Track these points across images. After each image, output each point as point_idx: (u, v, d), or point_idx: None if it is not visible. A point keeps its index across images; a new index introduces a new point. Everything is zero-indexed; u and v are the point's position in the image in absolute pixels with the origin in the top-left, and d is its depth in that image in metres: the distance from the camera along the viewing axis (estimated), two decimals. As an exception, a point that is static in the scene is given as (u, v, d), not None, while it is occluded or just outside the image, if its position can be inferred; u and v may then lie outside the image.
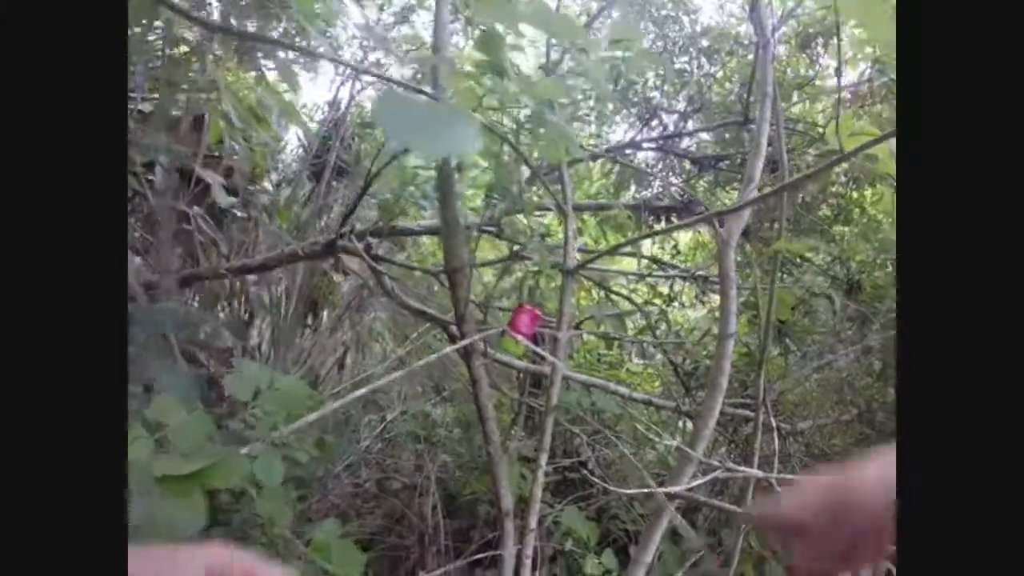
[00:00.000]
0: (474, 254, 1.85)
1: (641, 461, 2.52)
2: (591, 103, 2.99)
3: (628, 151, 2.86)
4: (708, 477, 1.45)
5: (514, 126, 1.54)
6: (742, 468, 1.53)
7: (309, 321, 3.99)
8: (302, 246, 2.73)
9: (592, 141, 3.27)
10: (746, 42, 2.79)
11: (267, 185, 3.68)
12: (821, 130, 2.18)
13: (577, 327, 1.80)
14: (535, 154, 1.58)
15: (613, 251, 1.62)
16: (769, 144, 1.61)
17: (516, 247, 1.83)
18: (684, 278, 2.27)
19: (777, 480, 1.53)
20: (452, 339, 1.62)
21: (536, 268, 1.65)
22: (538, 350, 1.59)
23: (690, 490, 1.44)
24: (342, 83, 3.54)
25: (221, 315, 3.15)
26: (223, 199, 2.70)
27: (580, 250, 1.84)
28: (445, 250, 1.48)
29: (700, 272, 2.23)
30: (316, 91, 4.47)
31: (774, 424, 1.99)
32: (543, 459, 1.43)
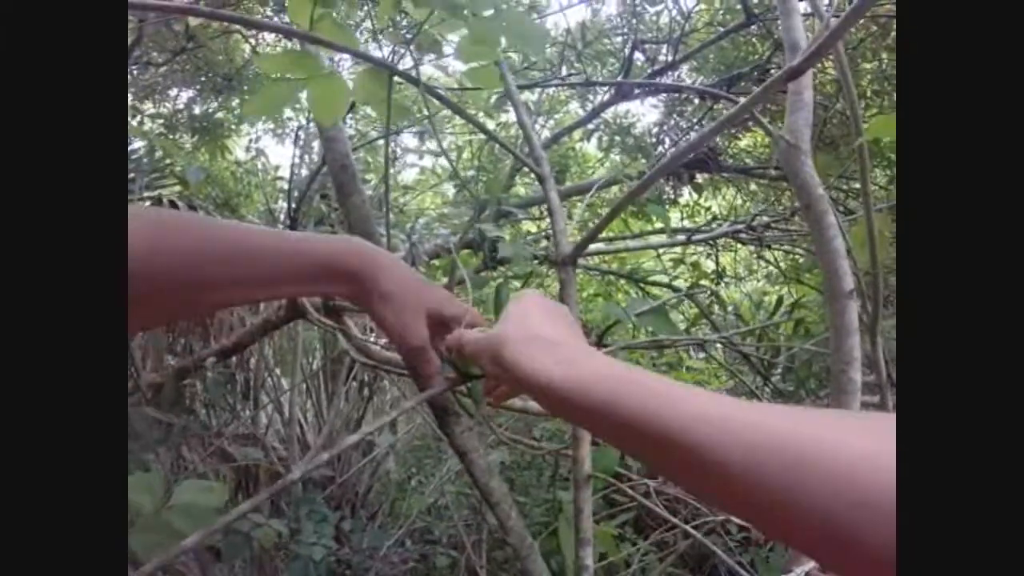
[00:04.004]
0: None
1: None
2: (566, 69, 2.49)
3: (620, 105, 2.33)
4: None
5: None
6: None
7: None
8: (271, 313, 2.41)
9: (574, 116, 2.76)
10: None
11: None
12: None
13: (599, 340, 1.24)
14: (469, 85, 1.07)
15: (616, 212, 1.08)
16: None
17: (493, 254, 1.32)
18: (735, 235, 1.69)
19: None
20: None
21: (515, 269, 1.12)
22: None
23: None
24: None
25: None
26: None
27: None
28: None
29: (758, 222, 1.64)
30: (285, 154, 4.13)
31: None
32: (587, 558, 0.88)
